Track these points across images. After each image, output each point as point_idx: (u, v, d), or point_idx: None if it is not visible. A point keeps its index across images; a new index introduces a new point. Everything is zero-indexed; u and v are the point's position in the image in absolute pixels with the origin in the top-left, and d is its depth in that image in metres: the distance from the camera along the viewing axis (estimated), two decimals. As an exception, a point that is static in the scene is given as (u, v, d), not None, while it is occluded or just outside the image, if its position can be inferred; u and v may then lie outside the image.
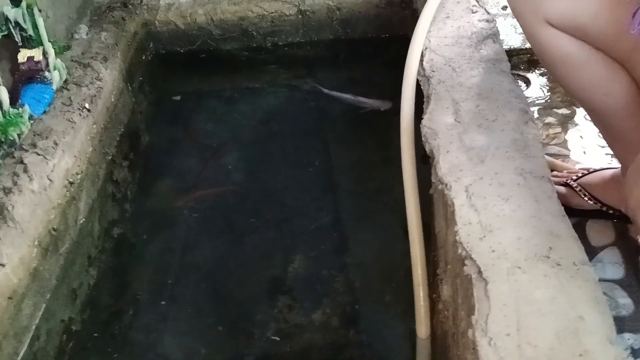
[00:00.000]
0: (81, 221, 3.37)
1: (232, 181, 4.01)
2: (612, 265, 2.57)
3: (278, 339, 3.08)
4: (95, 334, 3.12)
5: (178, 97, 4.65)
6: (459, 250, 1.86)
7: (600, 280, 1.79)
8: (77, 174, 3.33)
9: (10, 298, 2.67)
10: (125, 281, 3.40)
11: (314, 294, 3.28)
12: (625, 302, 2.41)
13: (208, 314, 3.23)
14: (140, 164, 4.12)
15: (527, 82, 3.73)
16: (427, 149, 2.35)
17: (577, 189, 2.66)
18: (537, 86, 3.72)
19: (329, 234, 3.58)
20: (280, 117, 4.49)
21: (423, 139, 2.39)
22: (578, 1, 1.98)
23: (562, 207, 1.97)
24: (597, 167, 2.76)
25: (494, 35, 2.86)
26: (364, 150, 3.98)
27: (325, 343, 2.98)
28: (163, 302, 3.31)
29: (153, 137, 4.35)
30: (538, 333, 1.59)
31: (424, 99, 2.67)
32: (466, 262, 1.82)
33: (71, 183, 3.26)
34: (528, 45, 2.88)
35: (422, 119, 2.49)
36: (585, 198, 2.63)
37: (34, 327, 2.84)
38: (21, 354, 2.73)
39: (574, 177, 2.72)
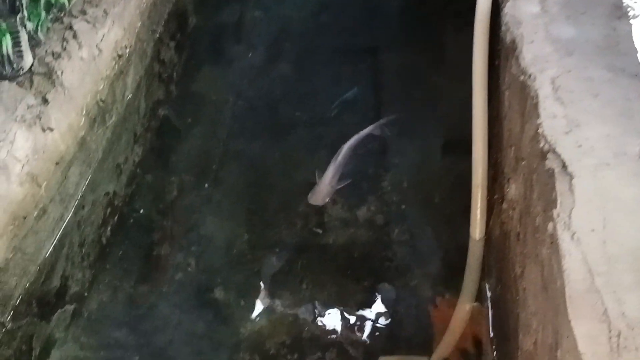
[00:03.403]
0: (128, 97, 3.28)
1: (279, 73, 3.89)
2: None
3: (320, 231, 3.03)
4: (140, 211, 3.12)
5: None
6: (541, 144, 1.74)
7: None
8: (125, 47, 3.21)
9: (57, 164, 2.64)
10: (170, 162, 3.35)
11: (359, 191, 3.15)
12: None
13: (251, 201, 3.17)
14: (187, 46, 3.98)
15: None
16: (508, 38, 2.18)
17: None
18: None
19: (376, 132, 3.47)
20: (332, 10, 4.28)
21: (504, 27, 2.22)
22: None
23: (655, 109, 1.82)
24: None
25: None
26: (421, 49, 3.79)
27: (368, 240, 2.92)
28: (207, 185, 3.27)
29: (200, 20, 4.18)
30: (625, 231, 1.48)
31: (506, -13, 2.46)
32: (548, 156, 1.70)
33: (120, 56, 3.16)
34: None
35: (503, 7, 2.30)
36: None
37: (79, 196, 2.83)
38: (66, 220, 2.73)
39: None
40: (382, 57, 3.96)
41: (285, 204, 3.13)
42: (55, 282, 2.63)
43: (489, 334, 2.21)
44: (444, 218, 2.91)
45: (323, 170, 3.10)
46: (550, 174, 1.66)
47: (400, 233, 2.91)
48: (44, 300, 2.55)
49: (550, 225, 1.55)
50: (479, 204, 2.37)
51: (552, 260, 1.51)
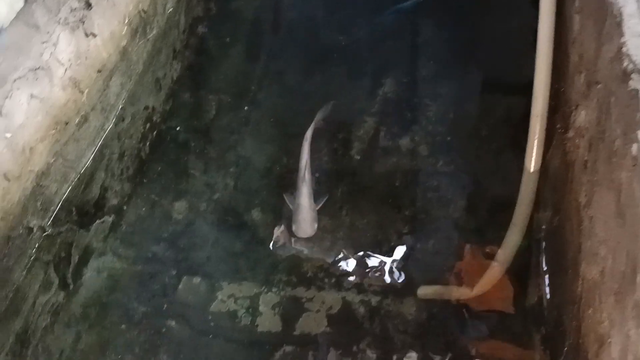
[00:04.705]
0: (169, 10, 3.16)
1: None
2: None
3: (359, 158, 2.97)
4: (177, 128, 3.05)
5: None
6: (624, 64, 1.62)
7: None
8: (168, -44, 3.09)
9: (99, 71, 2.57)
10: (208, 81, 3.24)
11: (402, 120, 3.03)
12: None
13: (291, 124, 3.05)
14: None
15: None
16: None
17: None
18: None
19: (425, 60, 3.29)
20: None
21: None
22: None
23: None
24: None
25: None
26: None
27: (410, 169, 2.82)
28: (246, 107, 3.17)
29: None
30: None
31: None
32: (632, 76, 1.59)
33: (161, -35, 3.04)
34: None
35: None
36: None
37: (119, 107, 2.76)
38: (107, 131, 2.67)
39: None
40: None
41: (326, 129, 3.04)
42: (95, 192, 2.60)
43: (542, 267, 2.14)
44: (491, 151, 2.81)
45: (291, 192, 2.69)
46: (634, 95, 1.55)
47: (444, 164, 2.82)
48: (83, 210, 2.52)
49: (634, 147, 1.46)
50: (536, 135, 2.27)
51: (634, 183, 1.42)
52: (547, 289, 2.06)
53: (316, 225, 2.57)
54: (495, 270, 2.23)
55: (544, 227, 2.22)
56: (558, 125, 2.21)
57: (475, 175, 2.75)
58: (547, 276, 2.09)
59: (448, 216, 2.63)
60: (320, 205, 2.64)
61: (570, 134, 2.02)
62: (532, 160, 2.29)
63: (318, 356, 2.26)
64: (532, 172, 2.29)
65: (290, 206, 2.63)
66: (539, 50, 2.30)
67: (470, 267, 2.38)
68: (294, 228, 2.57)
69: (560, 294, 1.92)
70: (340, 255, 2.54)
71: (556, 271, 2.01)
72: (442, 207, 2.66)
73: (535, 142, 2.28)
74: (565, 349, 1.77)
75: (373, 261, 2.51)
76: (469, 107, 3.03)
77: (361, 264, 2.51)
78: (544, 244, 2.19)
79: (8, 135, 2.06)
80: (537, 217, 2.27)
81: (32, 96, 2.17)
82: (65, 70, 2.34)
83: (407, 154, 2.90)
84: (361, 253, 2.53)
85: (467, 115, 2.99)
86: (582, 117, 1.93)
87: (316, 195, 2.64)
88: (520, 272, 2.25)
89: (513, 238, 2.24)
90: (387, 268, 2.49)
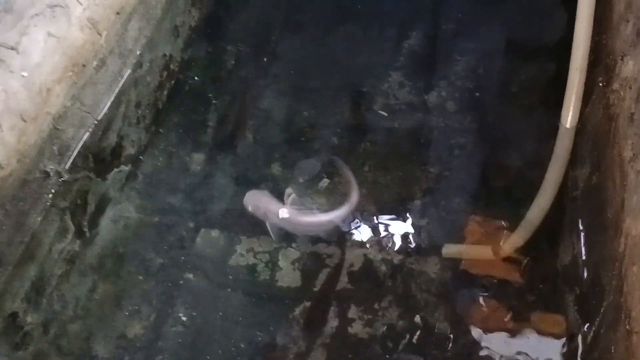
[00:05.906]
0: (187, -45, 3.05)
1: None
2: None
3: (386, 114, 2.84)
4: (195, 77, 2.93)
5: None
6: (685, 7, 1.52)
7: None
8: None
9: (118, 13, 2.46)
10: (226, 30, 3.12)
11: (428, 73, 2.91)
12: None
13: (311, 76, 2.95)
14: None
15: None
16: None
17: None
18: None
19: (454, 12, 3.13)
20: None
21: None
22: None
23: None
24: None
25: None
26: None
27: (436, 125, 2.72)
28: (265, 59, 3.06)
29: None
30: None
31: None
32: (694, 19, 1.48)
33: None
34: None
35: None
36: None
37: (137, 52, 2.64)
38: (125, 77, 2.56)
39: None
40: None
41: (348, 83, 2.94)
42: (112, 140, 2.52)
43: (578, 226, 2.06)
44: (522, 108, 2.71)
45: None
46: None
47: (472, 121, 2.72)
48: (99, 157, 2.45)
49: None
50: (575, 90, 2.16)
51: (695, 132, 1.33)
52: (583, 248, 1.98)
53: None
54: (526, 229, 2.15)
55: (580, 184, 2.13)
56: (599, 79, 2.10)
57: (504, 133, 2.65)
58: (582, 234, 2.01)
59: (475, 174, 2.54)
60: None
61: (615, 86, 1.91)
62: (569, 116, 2.19)
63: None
64: (569, 128, 2.19)
65: None
66: (580, 1, 2.17)
67: (477, 236, 2.31)
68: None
69: (599, 252, 1.84)
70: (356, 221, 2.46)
71: (594, 229, 1.93)
72: (469, 165, 2.57)
73: (573, 96, 2.17)
74: (603, 308, 1.70)
75: (392, 221, 2.44)
76: (499, 62, 2.91)
77: (380, 224, 2.44)
78: (579, 202, 2.11)
79: (24, 74, 1.97)
80: (572, 174, 2.18)
81: (49, 34, 2.07)
82: (84, 9, 2.24)
83: (433, 110, 2.79)
84: (376, 219, 2.45)
85: (497, 71, 2.88)
86: (629, 67, 1.82)
87: None
88: (553, 231, 2.18)
89: (545, 196, 2.15)
90: (409, 226, 2.42)
